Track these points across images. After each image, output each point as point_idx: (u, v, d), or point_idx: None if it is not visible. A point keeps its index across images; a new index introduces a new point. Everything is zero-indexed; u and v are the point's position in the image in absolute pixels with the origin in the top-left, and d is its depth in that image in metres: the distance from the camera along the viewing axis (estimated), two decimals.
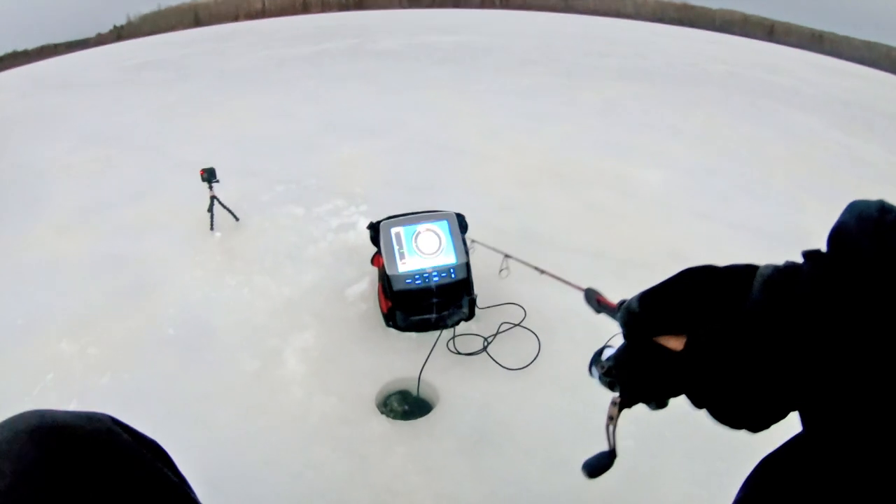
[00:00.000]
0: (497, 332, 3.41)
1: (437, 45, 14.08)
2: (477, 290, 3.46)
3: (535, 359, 3.23)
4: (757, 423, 0.75)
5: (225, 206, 4.72)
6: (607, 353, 0.99)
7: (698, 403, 0.80)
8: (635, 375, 0.90)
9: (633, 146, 6.96)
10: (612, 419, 0.99)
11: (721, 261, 0.86)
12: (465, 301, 3.39)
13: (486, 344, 3.32)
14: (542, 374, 3.15)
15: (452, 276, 3.29)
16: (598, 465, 1.01)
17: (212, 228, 4.66)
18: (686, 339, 0.80)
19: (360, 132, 7.21)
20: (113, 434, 1.14)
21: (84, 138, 7.56)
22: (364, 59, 12.48)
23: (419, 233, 3.32)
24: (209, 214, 4.65)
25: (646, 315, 0.86)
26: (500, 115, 8.20)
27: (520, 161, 6.27)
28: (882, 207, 0.72)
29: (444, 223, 3.38)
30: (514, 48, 14.34)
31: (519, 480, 2.54)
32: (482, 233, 3.64)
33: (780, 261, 0.78)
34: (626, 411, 0.98)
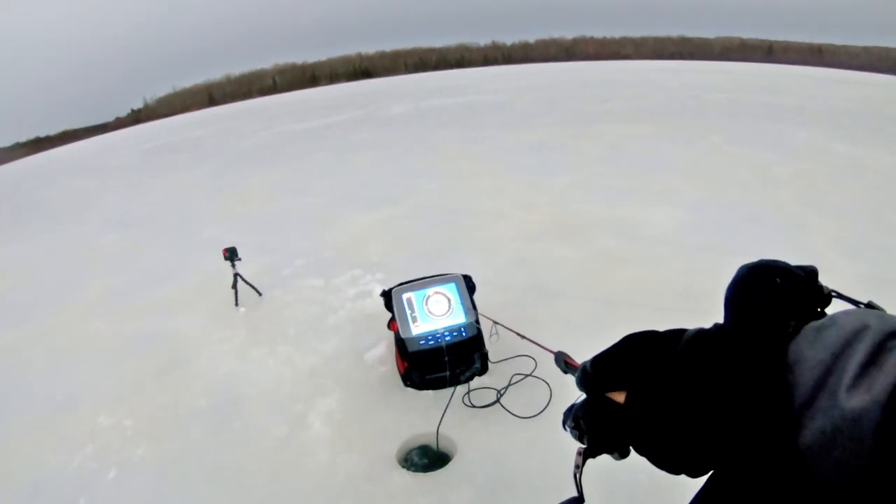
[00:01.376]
0: (509, 384, 3.57)
1: (443, 108, 14.49)
2: (488, 345, 3.65)
3: (546, 406, 3.37)
4: (691, 469, 0.83)
5: (248, 283, 4.98)
6: (575, 410, 1.16)
7: (640, 451, 0.91)
8: (593, 427, 1.00)
9: (638, 188, 7.13)
10: (578, 467, 1.06)
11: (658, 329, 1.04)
12: (478, 357, 3.57)
13: (499, 396, 3.48)
14: (555, 420, 3.24)
15: (463, 334, 3.49)
16: None
17: (236, 304, 4.91)
18: (627, 393, 0.92)
19: (371, 201, 7.48)
20: None
21: (108, 221, 7.92)
22: (373, 127, 12.89)
23: (429, 296, 3.54)
24: (233, 291, 4.91)
25: (595, 375, 0.98)
26: (506, 172, 8.44)
27: (526, 215, 6.48)
28: (750, 270, 0.91)
29: (453, 285, 3.60)
30: (517, 103, 14.71)
31: None
32: (490, 290, 3.83)
33: None
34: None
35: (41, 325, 5.08)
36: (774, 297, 0.85)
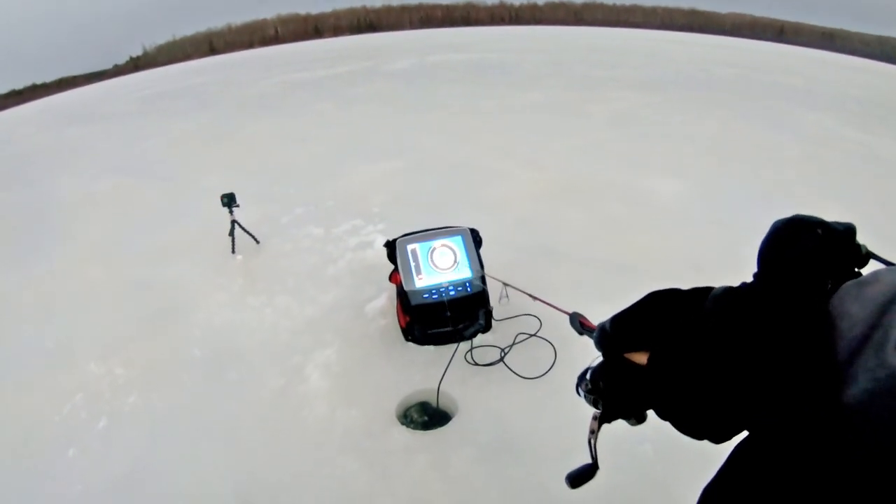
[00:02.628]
0: (513, 343, 3.47)
1: (448, 64, 14.26)
2: (502, 304, 3.55)
3: (551, 367, 3.28)
4: (716, 433, 0.80)
5: (245, 230, 4.85)
6: (590, 373, 1.07)
7: (662, 415, 0.87)
8: (611, 390, 0.97)
9: (646, 156, 7.00)
10: (593, 433, 1.05)
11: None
12: (482, 313, 3.46)
13: (502, 354, 3.39)
14: (558, 382, 3.20)
15: (468, 289, 3.38)
16: (580, 476, 1.06)
17: (233, 252, 4.79)
18: (649, 354, 0.88)
19: (375, 153, 7.33)
20: None
21: (105, 169, 7.76)
22: (377, 80, 12.67)
23: (434, 249, 3.42)
24: (230, 238, 4.78)
25: (616, 334, 0.95)
26: (512, 131, 8.29)
27: (533, 176, 6.35)
28: (790, 221, 0.86)
29: (459, 238, 3.47)
30: (525, 63, 14.47)
31: (538, 487, 2.59)
32: (498, 248, 3.72)
33: None
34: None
35: (34, 273, 4.96)
36: (816, 249, 0.80)
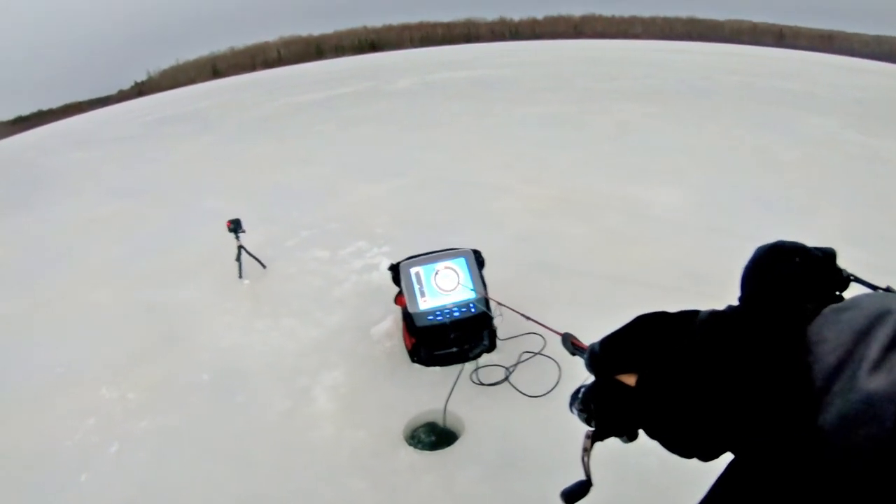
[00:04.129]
0: (518, 362, 3.50)
1: (449, 82, 14.36)
2: (496, 322, 3.57)
3: (555, 385, 3.31)
4: (703, 452, 0.83)
5: (252, 255, 4.90)
6: (582, 392, 1.10)
7: (651, 434, 0.89)
8: (602, 410, 1.00)
9: (646, 167, 7.03)
10: (586, 451, 1.07)
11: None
12: (486, 333, 3.50)
13: (507, 374, 3.42)
14: (563, 399, 3.19)
15: (472, 310, 3.41)
16: (574, 493, 1.07)
17: (240, 276, 4.84)
18: (637, 376, 0.91)
19: (378, 173, 7.39)
20: None
21: (110, 192, 7.84)
22: (379, 100, 12.76)
23: (438, 271, 3.46)
24: (237, 263, 4.84)
25: (605, 356, 0.97)
26: (513, 147, 8.34)
27: (533, 191, 6.39)
28: (771, 248, 0.89)
29: (462, 260, 3.51)
30: (525, 78, 14.56)
31: None
32: (496, 265, 3.75)
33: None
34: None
35: (42, 296, 5.02)
36: (794, 275, 0.84)
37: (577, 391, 1.07)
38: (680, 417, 0.81)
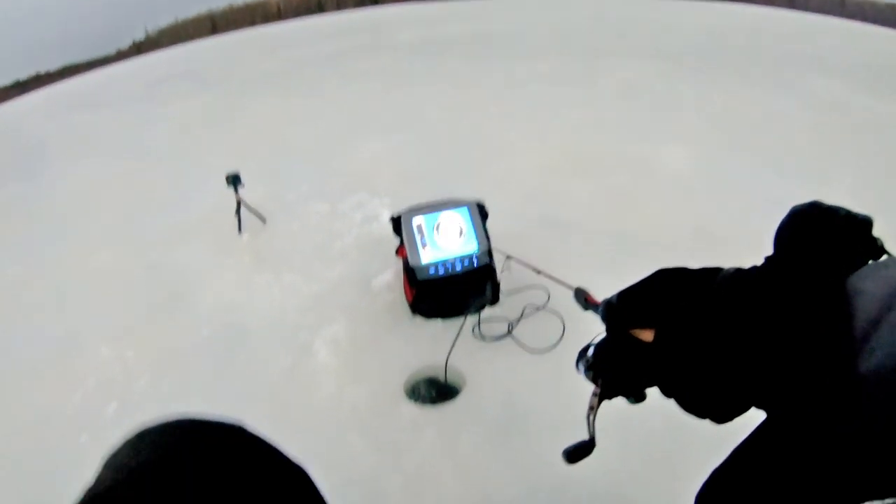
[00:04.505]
0: (521, 316, 3.44)
1: (454, 37, 14.04)
2: (500, 274, 3.51)
3: (559, 340, 3.26)
4: (719, 414, 0.80)
5: (251, 209, 4.82)
6: (591, 349, 1.05)
7: (667, 393, 0.86)
8: (613, 366, 0.97)
9: (654, 127, 6.86)
10: (592, 409, 1.05)
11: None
12: (489, 286, 3.43)
13: (510, 328, 3.36)
14: (567, 355, 3.14)
15: (475, 263, 3.34)
16: (576, 452, 1.06)
17: (240, 231, 4.77)
18: (656, 331, 0.87)
19: (381, 129, 7.25)
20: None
21: (112, 154, 7.73)
22: (382, 55, 12.49)
23: (440, 222, 3.37)
24: (236, 218, 4.77)
25: (622, 308, 0.93)
26: (518, 104, 8.16)
27: (539, 148, 6.25)
28: (811, 206, 0.84)
29: (465, 211, 3.43)
30: (531, 34, 14.23)
31: (547, 463, 2.56)
32: (503, 221, 3.68)
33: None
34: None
35: (43, 260, 4.95)
36: (837, 230, 0.80)
37: (585, 349, 1.04)
38: (699, 375, 0.78)
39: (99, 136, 9.06)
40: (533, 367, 3.13)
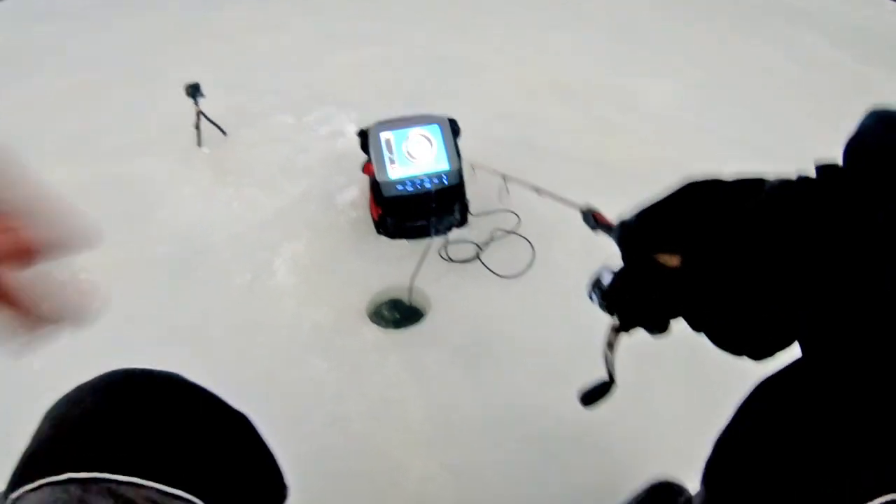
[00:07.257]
0: (490, 240, 3.34)
1: None
2: (470, 196, 3.38)
3: (529, 266, 3.18)
4: (758, 349, 0.69)
5: (211, 121, 4.58)
6: (605, 276, 0.91)
7: (696, 326, 0.74)
8: (633, 296, 0.84)
9: (638, 59, 6.67)
10: (610, 346, 0.93)
11: (723, 176, 0.78)
12: (458, 207, 3.31)
13: (478, 251, 3.25)
14: (537, 281, 3.10)
15: (444, 181, 3.20)
16: (593, 393, 0.97)
17: (199, 144, 4.54)
18: (684, 254, 0.75)
19: (354, 42, 6.94)
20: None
21: (72, 67, 7.30)
22: None
23: (410, 138, 3.21)
24: (196, 130, 4.53)
25: (643, 229, 0.81)
26: (501, 26, 7.86)
27: (520, 72, 6.03)
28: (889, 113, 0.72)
29: (436, 127, 3.26)
30: None
31: (513, 389, 2.54)
32: (477, 142, 3.54)
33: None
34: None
35: None
36: None
37: (598, 276, 0.91)
38: (737, 304, 0.66)
39: (62, 48, 8.55)
40: (501, 292, 3.04)
